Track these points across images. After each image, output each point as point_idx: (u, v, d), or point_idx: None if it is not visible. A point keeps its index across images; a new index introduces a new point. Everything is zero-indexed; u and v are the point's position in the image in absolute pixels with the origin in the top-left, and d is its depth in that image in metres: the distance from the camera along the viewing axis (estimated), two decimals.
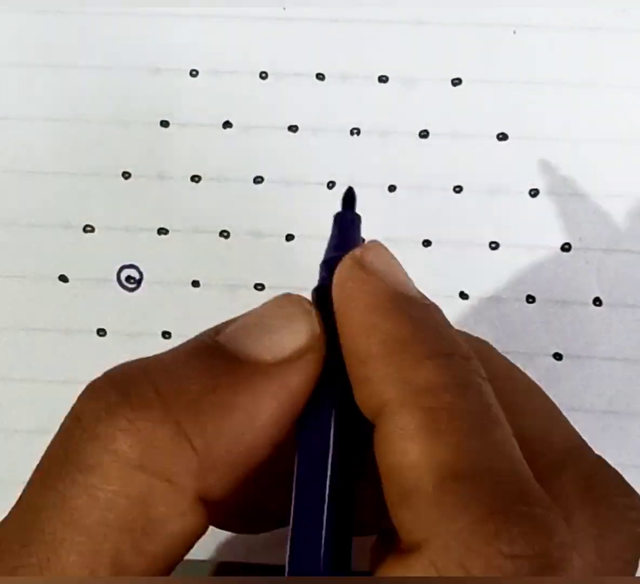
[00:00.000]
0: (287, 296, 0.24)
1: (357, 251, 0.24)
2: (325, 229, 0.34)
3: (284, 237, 0.34)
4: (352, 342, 0.22)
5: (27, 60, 0.34)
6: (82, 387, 0.34)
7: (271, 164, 0.34)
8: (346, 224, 0.26)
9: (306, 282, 0.34)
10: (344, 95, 0.33)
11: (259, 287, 0.34)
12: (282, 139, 0.34)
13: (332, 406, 0.23)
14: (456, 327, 0.33)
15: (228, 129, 0.34)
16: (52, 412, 0.34)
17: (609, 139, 0.33)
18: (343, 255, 0.24)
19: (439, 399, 0.21)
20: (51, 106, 0.34)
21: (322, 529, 0.22)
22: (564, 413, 0.30)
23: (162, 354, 0.23)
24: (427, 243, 0.33)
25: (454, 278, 0.33)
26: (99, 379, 0.22)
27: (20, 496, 0.23)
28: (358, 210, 0.33)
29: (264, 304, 0.24)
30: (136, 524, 0.21)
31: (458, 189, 0.33)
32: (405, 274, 0.24)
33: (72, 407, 0.22)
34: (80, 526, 0.21)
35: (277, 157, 0.34)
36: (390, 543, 0.22)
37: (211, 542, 0.34)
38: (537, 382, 0.29)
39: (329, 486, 0.22)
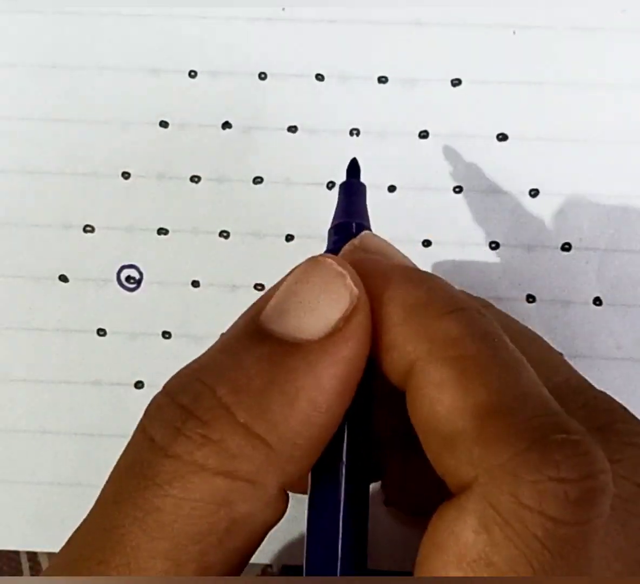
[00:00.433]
0: (314, 263, 0.24)
1: (355, 240, 0.25)
2: (324, 229, 0.34)
3: (284, 237, 0.34)
4: (372, 314, 0.23)
5: (27, 61, 0.34)
6: (82, 387, 0.34)
7: (271, 164, 0.34)
8: (352, 192, 0.27)
9: None
10: (344, 95, 0.33)
11: (259, 287, 0.34)
12: (281, 139, 0.34)
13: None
14: None
15: (227, 130, 0.34)
16: (53, 413, 0.35)
17: (609, 139, 0.33)
18: (351, 221, 0.25)
19: (463, 348, 0.21)
20: (51, 106, 0.34)
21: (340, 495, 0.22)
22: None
23: (213, 349, 0.23)
24: (427, 243, 0.33)
25: (454, 278, 0.33)
26: (160, 396, 0.22)
27: (88, 516, 0.23)
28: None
29: (295, 274, 0.24)
30: (220, 526, 0.22)
31: (458, 189, 0.33)
32: (402, 254, 0.25)
33: (140, 426, 0.23)
34: (165, 534, 0.21)
35: (276, 157, 0.34)
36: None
37: None
38: None
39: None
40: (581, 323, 0.33)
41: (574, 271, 0.33)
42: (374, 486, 0.24)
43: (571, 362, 0.33)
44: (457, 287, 0.33)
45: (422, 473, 0.22)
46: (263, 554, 0.34)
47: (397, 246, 0.33)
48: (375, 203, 0.33)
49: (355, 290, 0.23)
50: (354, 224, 0.25)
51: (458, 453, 0.21)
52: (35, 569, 0.33)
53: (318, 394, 0.22)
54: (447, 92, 0.33)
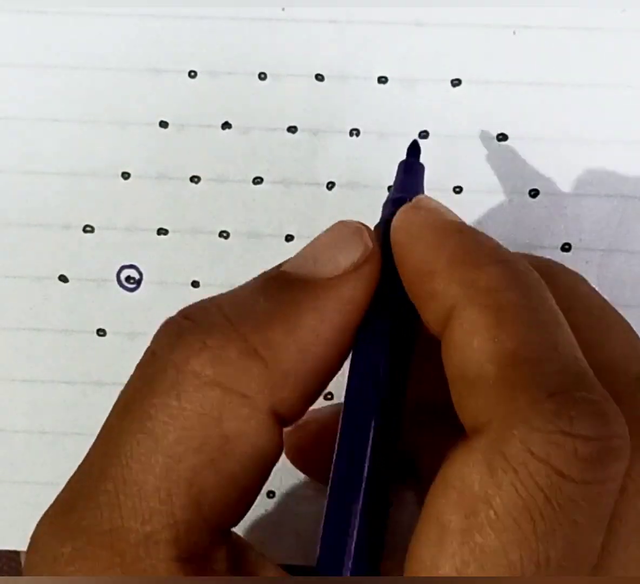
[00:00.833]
0: (339, 222, 0.26)
1: (410, 203, 0.26)
2: (324, 230, 0.34)
3: (284, 238, 0.34)
4: (417, 262, 0.24)
5: (27, 60, 0.34)
6: (82, 387, 0.34)
7: (270, 164, 0.34)
8: (410, 171, 0.28)
9: None
10: (344, 96, 0.33)
11: None
12: (281, 139, 0.34)
13: (387, 321, 0.24)
14: None
15: (227, 130, 0.34)
16: (53, 413, 0.35)
17: (610, 139, 0.33)
18: (406, 196, 0.26)
19: (502, 297, 0.22)
20: (51, 106, 0.34)
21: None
22: None
23: (232, 290, 0.24)
24: None
25: None
26: (172, 316, 0.24)
27: (102, 427, 0.24)
28: (357, 210, 0.33)
29: (320, 234, 0.26)
30: (212, 442, 0.22)
31: (458, 189, 0.33)
32: (456, 215, 0.26)
33: (149, 345, 0.24)
34: (158, 447, 0.22)
35: (276, 158, 0.34)
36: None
37: None
38: None
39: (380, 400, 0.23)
40: None
41: None
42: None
43: None
44: None
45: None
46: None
47: None
48: (376, 204, 0.33)
49: (370, 244, 0.24)
50: (408, 200, 0.26)
51: (478, 396, 0.21)
52: None
53: (318, 324, 0.23)
54: (447, 93, 0.33)
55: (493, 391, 0.21)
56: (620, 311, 0.33)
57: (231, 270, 0.34)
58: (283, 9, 0.33)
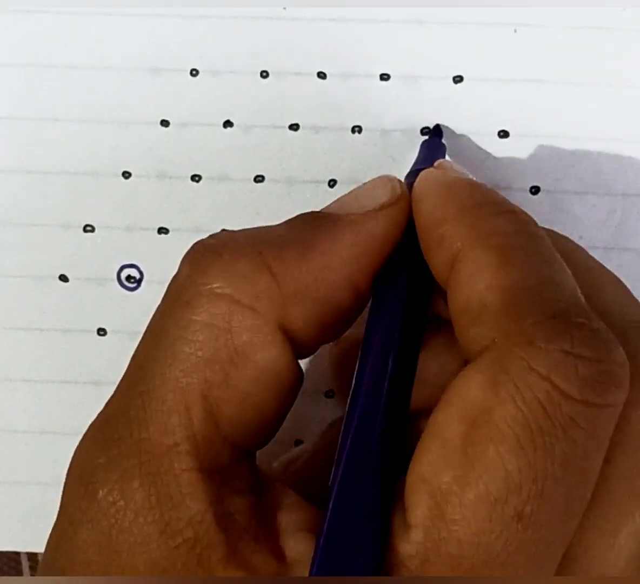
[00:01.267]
0: (377, 177, 0.27)
1: (434, 163, 0.28)
2: None
3: None
4: (429, 210, 0.25)
5: (27, 60, 0.34)
6: (82, 387, 0.34)
7: (272, 163, 0.34)
8: (432, 149, 0.30)
9: None
10: (346, 93, 0.33)
11: None
12: (283, 138, 0.34)
13: (406, 268, 0.25)
14: None
15: (228, 129, 0.34)
16: (52, 413, 0.34)
17: (610, 137, 0.33)
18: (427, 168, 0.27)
19: (507, 240, 0.23)
20: (51, 106, 0.34)
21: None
22: None
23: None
24: None
25: None
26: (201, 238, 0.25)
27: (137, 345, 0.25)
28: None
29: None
30: (222, 354, 0.23)
31: None
32: (471, 176, 0.28)
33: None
34: (174, 361, 0.23)
35: (278, 156, 0.34)
36: None
37: None
38: None
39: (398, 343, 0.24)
40: None
41: None
42: None
43: None
44: None
45: None
46: None
47: None
48: None
49: (398, 190, 0.25)
50: None
51: (481, 324, 0.22)
52: (35, 569, 0.33)
53: (333, 251, 0.24)
54: (449, 90, 0.33)
55: (496, 316, 0.21)
56: None
57: None
58: (285, 8, 0.33)
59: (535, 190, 0.33)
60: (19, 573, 0.33)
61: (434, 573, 0.20)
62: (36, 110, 0.34)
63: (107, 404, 0.24)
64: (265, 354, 0.23)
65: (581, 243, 0.33)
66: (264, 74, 0.33)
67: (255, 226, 0.33)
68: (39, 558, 0.34)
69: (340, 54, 0.33)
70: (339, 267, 0.24)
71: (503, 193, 0.33)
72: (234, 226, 0.34)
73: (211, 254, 0.24)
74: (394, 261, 0.25)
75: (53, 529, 0.24)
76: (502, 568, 0.20)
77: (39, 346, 0.34)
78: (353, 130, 0.33)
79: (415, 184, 0.26)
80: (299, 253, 0.24)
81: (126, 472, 0.22)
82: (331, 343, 0.27)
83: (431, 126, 0.33)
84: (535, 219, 0.33)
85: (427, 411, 0.23)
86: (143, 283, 0.34)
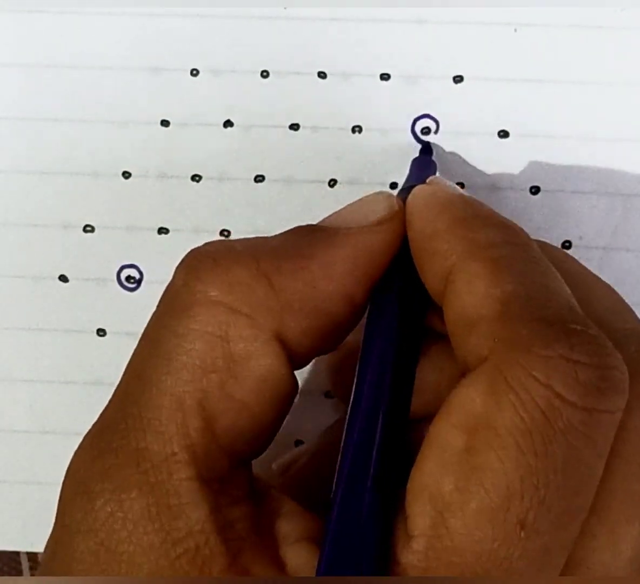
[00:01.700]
0: (373, 193, 0.27)
1: (428, 180, 0.28)
2: None
3: None
4: (422, 225, 0.25)
5: (27, 60, 0.34)
6: (82, 387, 0.34)
7: (272, 162, 0.34)
8: (423, 166, 0.31)
9: None
10: (346, 93, 0.33)
11: None
12: (283, 137, 0.34)
13: (401, 282, 0.25)
14: None
15: (229, 128, 0.34)
16: (52, 413, 0.34)
17: (610, 137, 0.33)
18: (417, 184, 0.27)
19: (500, 250, 0.23)
20: (51, 106, 0.34)
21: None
22: None
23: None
24: None
25: None
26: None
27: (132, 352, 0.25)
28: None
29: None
30: (219, 363, 0.23)
31: (459, 186, 0.33)
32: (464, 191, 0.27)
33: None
34: (170, 369, 0.23)
35: (278, 156, 0.34)
36: None
37: None
38: None
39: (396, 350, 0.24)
40: None
41: None
42: None
43: None
44: None
45: None
46: None
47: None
48: None
49: (395, 206, 0.26)
50: None
51: (479, 334, 0.22)
52: (35, 569, 0.33)
53: (330, 262, 0.24)
54: (449, 90, 0.33)
55: (494, 325, 0.21)
56: None
57: None
58: (285, 8, 0.33)
59: (535, 190, 0.33)
60: (19, 573, 0.33)
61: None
62: (36, 110, 0.34)
63: (102, 413, 0.24)
64: (262, 363, 0.23)
65: (581, 243, 0.33)
66: (264, 74, 0.33)
67: (254, 226, 0.34)
68: (39, 558, 0.34)
69: (340, 53, 0.33)
70: (336, 279, 0.24)
71: (503, 193, 0.33)
72: (234, 226, 0.34)
73: (208, 261, 0.24)
74: (391, 273, 0.25)
75: (50, 537, 0.23)
76: (506, 576, 0.20)
77: (39, 346, 0.34)
78: (353, 130, 0.33)
79: (409, 199, 0.26)
80: (297, 264, 0.24)
81: (124, 481, 0.22)
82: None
83: (431, 126, 0.33)
84: (535, 219, 0.33)
85: (427, 419, 0.22)
86: (143, 283, 0.34)
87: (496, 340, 0.21)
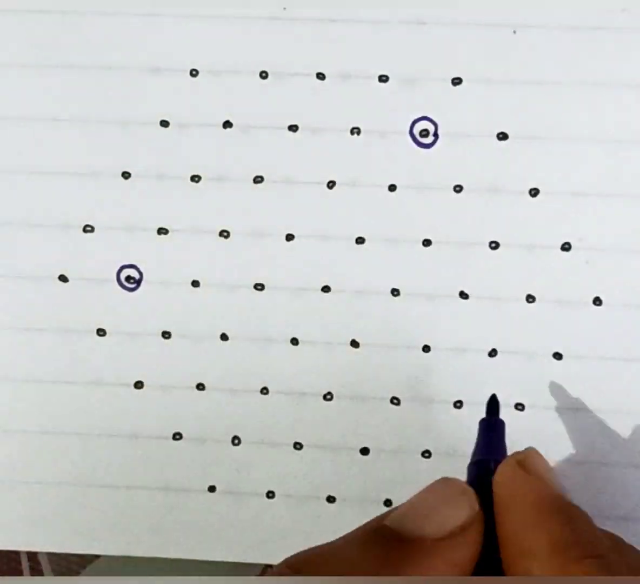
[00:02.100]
0: (445, 480, 0.26)
1: (519, 455, 0.27)
2: (325, 229, 0.34)
3: (284, 237, 0.34)
4: (516, 536, 0.25)
5: (27, 60, 0.34)
6: (82, 387, 0.34)
7: (271, 163, 0.34)
8: (492, 428, 0.29)
9: (306, 283, 0.34)
10: (345, 94, 0.33)
11: (259, 287, 0.34)
12: (282, 138, 0.34)
13: None
14: (456, 327, 0.33)
15: (228, 129, 0.34)
16: (53, 413, 0.35)
17: (609, 138, 0.33)
18: (490, 458, 0.27)
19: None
20: (51, 106, 0.34)
21: None
22: (561, 412, 0.31)
23: (334, 541, 0.25)
24: (427, 243, 0.33)
25: (454, 278, 0.33)
26: (277, 564, 0.24)
27: None
28: (357, 209, 0.33)
29: (424, 489, 0.26)
30: None
31: (458, 189, 0.33)
32: (560, 480, 0.27)
33: None
34: None
35: (277, 156, 0.34)
36: None
37: (207, 541, 0.34)
38: (536, 383, 0.31)
39: None
40: (581, 323, 0.33)
41: (574, 271, 0.33)
42: None
43: (571, 363, 0.33)
44: (456, 287, 0.33)
45: None
46: (263, 554, 0.34)
47: (396, 246, 0.34)
48: (375, 203, 0.34)
49: (476, 507, 0.25)
50: (492, 462, 0.27)
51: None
52: (35, 569, 0.33)
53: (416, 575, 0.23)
54: (448, 91, 0.33)
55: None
56: (619, 311, 0.33)
57: (231, 270, 0.34)
58: (284, 8, 0.33)
59: (534, 192, 0.33)
60: (19, 573, 0.33)
61: None
62: (36, 110, 0.34)
63: None
64: None
65: (581, 245, 0.33)
66: (264, 75, 0.33)
67: (254, 226, 0.34)
68: (39, 558, 0.34)
69: (339, 55, 0.33)
70: None
71: (502, 196, 0.33)
72: (233, 226, 0.34)
73: None
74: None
75: None
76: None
77: (39, 346, 0.34)
78: (352, 132, 0.33)
79: (499, 482, 0.26)
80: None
81: None
82: None
83: (429, 128, 0.33)
84: (535, 221, 0.33)
85: None
86: (143, 283, 0.34)
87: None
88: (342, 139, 0.33)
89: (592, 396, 0.33)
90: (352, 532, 0.25)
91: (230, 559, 0.34)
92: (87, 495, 0.34)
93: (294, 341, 0.34)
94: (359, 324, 0.34)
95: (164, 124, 0.34)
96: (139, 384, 0.34)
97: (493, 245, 0.33)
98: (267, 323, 0.34)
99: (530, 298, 0.33)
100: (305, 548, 0.26)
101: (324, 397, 0.34)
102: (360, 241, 0.34)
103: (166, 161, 0.34)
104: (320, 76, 0.33)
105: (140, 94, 0.34)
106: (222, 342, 0.34)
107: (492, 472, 0.26)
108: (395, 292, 0.34)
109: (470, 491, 0.26)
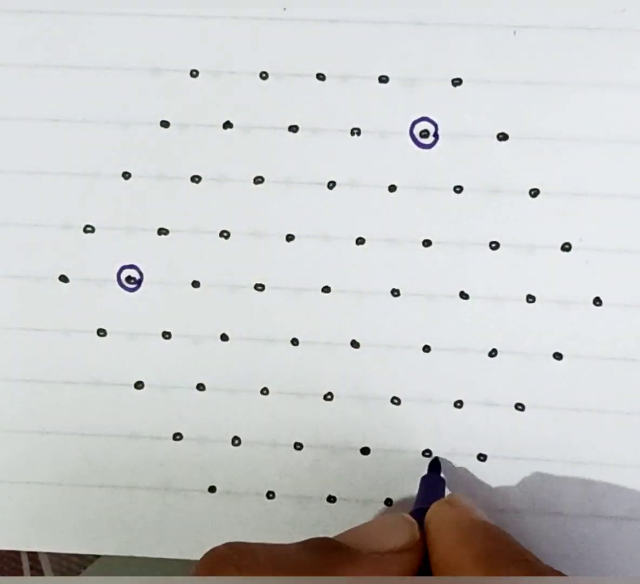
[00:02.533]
0: (395, 513, 0.30)
1: (446, 497, 0.30)
2: (325, 229, 0.34)
3: (284, 237, 0.34)
4: (446, 557, 0.27)
5: (27, 60, 0.34)
6: (82, 387, 0.34)
7: (271, 164, 0.34)
8: (432, 486, 0.33)
9: (306, 283, 0.34)
10: (345, 95, 0.33)
11: (259, 287, 0.34)
12: (282, 139, 0.34)
13: None
14: (456, 327, 0.33)
15: (228, 129, 0.34)
16: (53, 413, 0.35)
17: (609, 138, 0.33)
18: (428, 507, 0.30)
19: None
20: (51, 106, 0.34)
21: None
22: (562, 412, 0.32)
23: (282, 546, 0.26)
24: (427, 243, 0.33)
25: (454, 278, 0.33)
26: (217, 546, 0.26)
27: None
28: (357, 209, 0.33)
29: (373, 519, 0.31)
30: None
31: (458, 189, 0.33)
32: (481, 512, 0.30)
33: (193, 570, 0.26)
34: None
35: (277, 157, 0.34)
36: None
37: (207, 541, 0.34)
38: (536, 383, 0.31)
39: None
40: (581, 323, 0.33)
41: (574, 271, 0.33)
42: None
43: (571, 363, 0.33)
44: (456, 287, 0.33)
45: None
46: None
47: (396, 246, 0.34)
48: (376, 203, 0.34)
49: (417, 536, 0.28)
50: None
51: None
52: (36, 569, 0.33)
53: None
54: (448, 92, 0.33)
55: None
56: (619, 311, 0.33)
57: (231, 270, 0.34)
58: (284, 9, 0.33)
59: (534, 192, 0.33)
60: (19, 573, 0.33)
61: None
62: (36, 110, 0.34)
63: None
64: None
65: (581, 245, 0.33)
66: (264, 75, 0.33)
67: (254, 226, 0.34)
68: (39, 557, 0.34)
69: (339, 55, 0.33)
70: None
71: (502, 196, 0.33)
72: (233, 227, 0.34)
73: (231, 569, 0.24)
74: None
75: None
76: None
77: (39, 346, 0.34)
78: (352, 132, 0.33)
79: (431, 522, 0.29)
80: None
81: None
82: None
83: (430, 129, 0.33)
84: (535, 221, 0.33)
85: None
86: (143, 284, 0.34)
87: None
88: (342, 140, 0.33)
89: (592, 396, 0.33)
90: (297, 543, 0.26)
91: None
92: (87, 495, 0.34)
93: (294, 341, 0.34)
94: (359, 324, 0.34)
95: (164, 124, 0.34)
96: (139, 384, 0.34)
97: (493, 245, 0.33)
98: (267, 323, 0.34)
99: (530, 298, 0.33)
100: None
101: (324, 397, 0.34)
102: (360, 241, 0.34)
103: (166, 161, 0.34)
104: (321, 77, 0.33)
105: (140, 94, 0.34)
106: (222, 342, 0.34)
107: None
108: (395, 292, 0.34)
109: (416, 523, 0.28)
